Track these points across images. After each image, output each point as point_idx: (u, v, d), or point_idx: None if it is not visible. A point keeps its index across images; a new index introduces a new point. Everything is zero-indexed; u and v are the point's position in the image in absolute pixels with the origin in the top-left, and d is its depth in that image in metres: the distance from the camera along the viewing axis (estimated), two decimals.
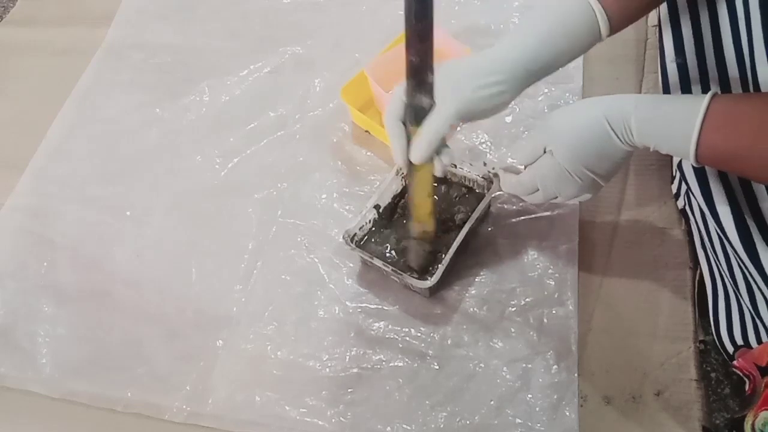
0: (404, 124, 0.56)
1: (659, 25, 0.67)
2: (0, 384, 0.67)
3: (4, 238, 0.78)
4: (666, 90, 0.65)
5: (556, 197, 0.59)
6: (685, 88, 0.62)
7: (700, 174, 0.59)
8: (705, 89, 0.59)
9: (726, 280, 0.60)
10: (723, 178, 0.58)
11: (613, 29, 0.57)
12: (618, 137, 0.52)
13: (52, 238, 0.77)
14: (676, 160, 0.66)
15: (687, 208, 0.65)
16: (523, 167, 0.62)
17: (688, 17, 0.61)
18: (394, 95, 0.56)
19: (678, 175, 0.65)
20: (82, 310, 0.71)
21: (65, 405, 0.65)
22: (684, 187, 0.64)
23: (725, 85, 0.58)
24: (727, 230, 0.56)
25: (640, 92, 0.79)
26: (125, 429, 0.64)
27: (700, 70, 0.60)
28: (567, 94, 0.79)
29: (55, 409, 0.65)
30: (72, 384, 0.66)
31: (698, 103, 0.48)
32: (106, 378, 0.66)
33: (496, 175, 0.67)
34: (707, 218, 0.60)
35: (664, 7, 0.64)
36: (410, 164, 0.57)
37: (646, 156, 0.73)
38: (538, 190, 0.60)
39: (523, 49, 0.56)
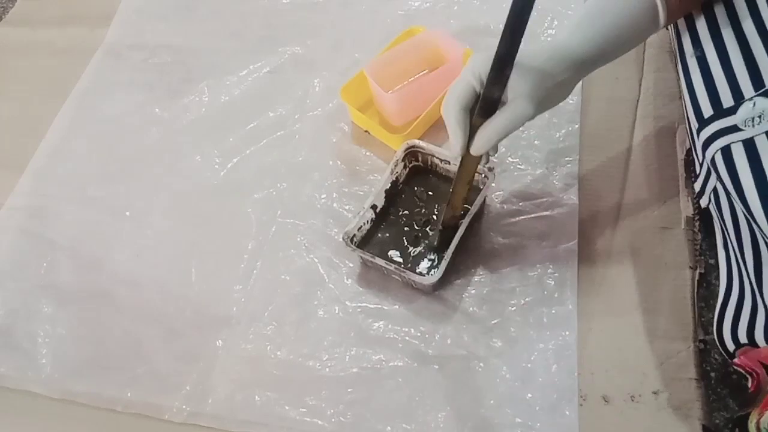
0: (468, 112, 0.54)
1: (675, 23, 0.65)
2: (0, 384, 0.67)
3: (4, 238, 0.78)
4: (690, 90, 0.60)
5: None
6: (708, 83, 0.59)
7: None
8: (730, 79, 0.56)
9: (747, 280, 0.59)
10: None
11: (670, 18, 0.55)
12: None
13: (52, 238, 0.77)
14: (700, 156, 0.63)
15: (712, 206, 0.64)
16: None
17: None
18: (462, 82, 0.54)
19: (703, 171, 0.63)
20: (82, 310, 0.71)
21: (65, 405, 0.65)
22: (711, 184, 0.63)
23: (751, 63, 0.55)
24: (757, 218, 0.53)
25: (639, 93, 0.79)
26: (125, 429, 0.64)
27: (720, 59, 0.57)
28: None
29: (55, 409, 0.65)
30: (72, 384, 0.66)
31: None
32: (106, 378, 0.66)
33: (491, 169, 0.67)
34: (737, 212, 0.58)
35: None
36: (465, 153, 0.57)
37: (646, 156, 0.73)
38: None
39: (590, 43, 0.54)
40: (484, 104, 0.53)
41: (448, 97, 0.55)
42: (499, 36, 0.49)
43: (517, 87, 0.52)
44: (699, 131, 0.57)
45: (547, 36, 0.85)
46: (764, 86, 0.52)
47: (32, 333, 0.70)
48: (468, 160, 0.58)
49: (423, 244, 0.69)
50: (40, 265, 0.75)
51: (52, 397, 0.66)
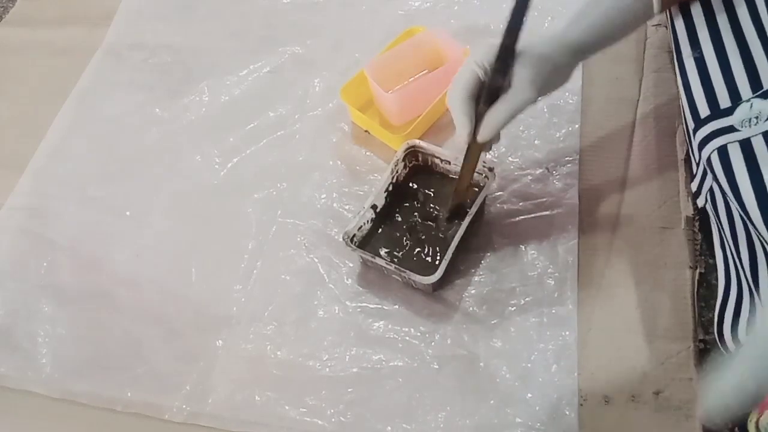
0: (474, 101, 0.56)
1: (672, 23, 0.65)
2: (0, 384, 0.67)
3: (4, 238, 0.78)
4: (687, 90, 0.61)
5: None
6: (706, 83, 0.60)
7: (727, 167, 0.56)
8: (728, 79, 0.57)
9: (744, 279, 0.59)
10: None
11: (665, 4, 0.57)
12: None
13: (52, 238, 0.77)
14: (696, 156, 0.64)
15: (709, 205, 0.64)
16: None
17: (698, 4, 0.60)
18: (466, 72, 0.56)
19: (699, 171, 0.64)
20: (82, 310, 0.71)
21: (65, 405, 0.65)
22: (707, 184, 0.63)
23: (750, 65, 0.56)
24: (753, 218, 0.54)
25: (639, 93, 0.79)
26: (125, 429, 0.64)
27: (719, 60, 0.58)
28: (567, 94, 0.79)
29: (55, 409, 0.65)
30: (72, 384, 0.66)
31: None
32: (106, 378, 0.66)
33: (491, 169, 0.67)
34: (733, 212, 0.59)
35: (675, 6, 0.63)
36: (472, 141, 0.58)
37: (645, 156, 0.73)
38: None
39: (589, 32, 0.57)
40: (489, 92, 0.55)
41: (453, 86, 0.56)
42: (499, 34, 0.51)
43: (519, 73, 0.54)
44: (695, 131, 0.57)
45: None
46: (762, 88, 0.52)
47: (32, 333, 0.70)
48: (474, 148, 0.60)
49: (427, 237, 0.70)
50: (40, 265, 0.75)
51: (52, 397, 0.66)
